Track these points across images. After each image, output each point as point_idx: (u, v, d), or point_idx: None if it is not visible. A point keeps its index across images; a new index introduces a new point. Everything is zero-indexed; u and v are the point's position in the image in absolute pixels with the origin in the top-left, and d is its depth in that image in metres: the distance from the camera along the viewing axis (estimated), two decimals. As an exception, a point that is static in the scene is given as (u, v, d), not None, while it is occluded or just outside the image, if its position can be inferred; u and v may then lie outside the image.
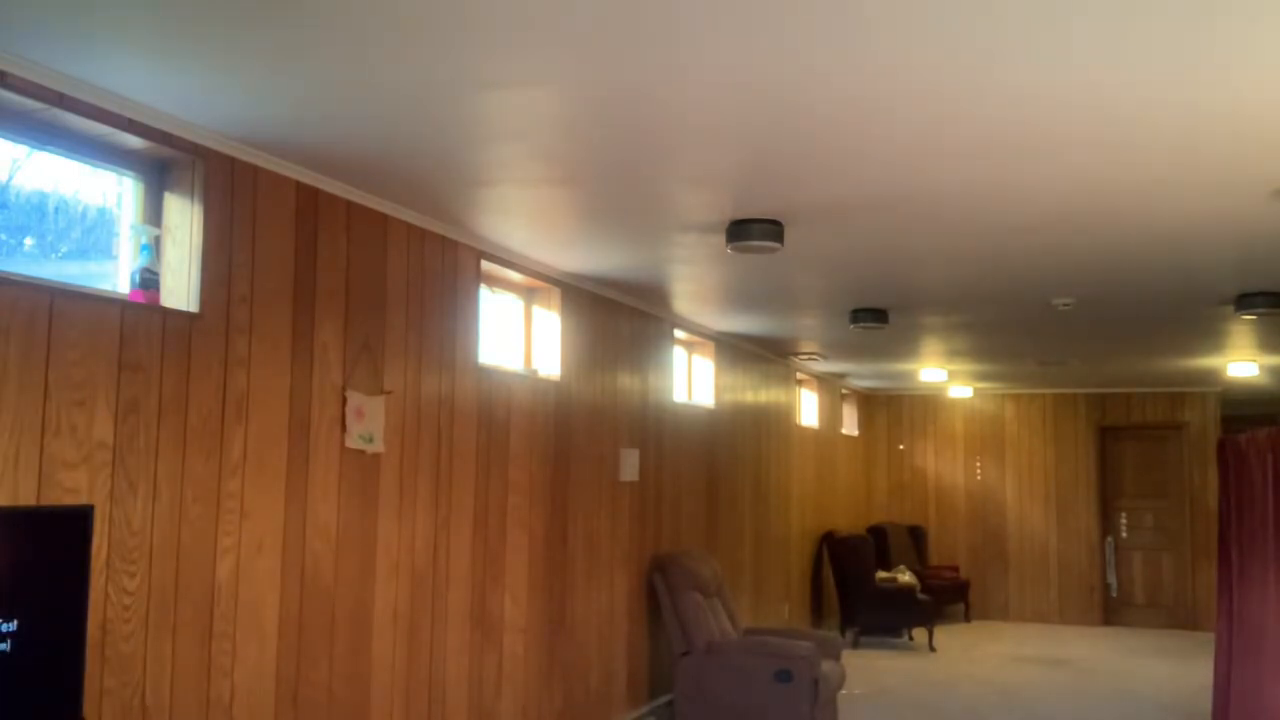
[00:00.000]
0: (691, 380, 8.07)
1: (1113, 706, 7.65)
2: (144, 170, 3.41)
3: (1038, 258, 5.15)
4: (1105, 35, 2.56)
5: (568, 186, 4.05)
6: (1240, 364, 9.13)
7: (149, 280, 3.31)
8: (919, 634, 10.19)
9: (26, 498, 2.81)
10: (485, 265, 5.00)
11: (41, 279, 3.00)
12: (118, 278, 3.41)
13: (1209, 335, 7.69)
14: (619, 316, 6.46)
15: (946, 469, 12.49)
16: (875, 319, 6.81)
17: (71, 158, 3.26)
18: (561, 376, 5.74)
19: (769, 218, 4.39)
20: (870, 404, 12.80)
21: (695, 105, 3.09)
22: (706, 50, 2.68)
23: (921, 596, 10.12)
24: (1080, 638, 10.79)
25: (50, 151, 3.21)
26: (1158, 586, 11.61)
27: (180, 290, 3.40)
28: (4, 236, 3.28)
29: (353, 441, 4.05)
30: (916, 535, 12.11)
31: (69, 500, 2.90)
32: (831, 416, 11.48)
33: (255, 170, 3.60)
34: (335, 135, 3.43)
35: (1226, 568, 5.79)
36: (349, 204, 4.06)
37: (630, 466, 6.54)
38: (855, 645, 9.87)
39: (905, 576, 10.48)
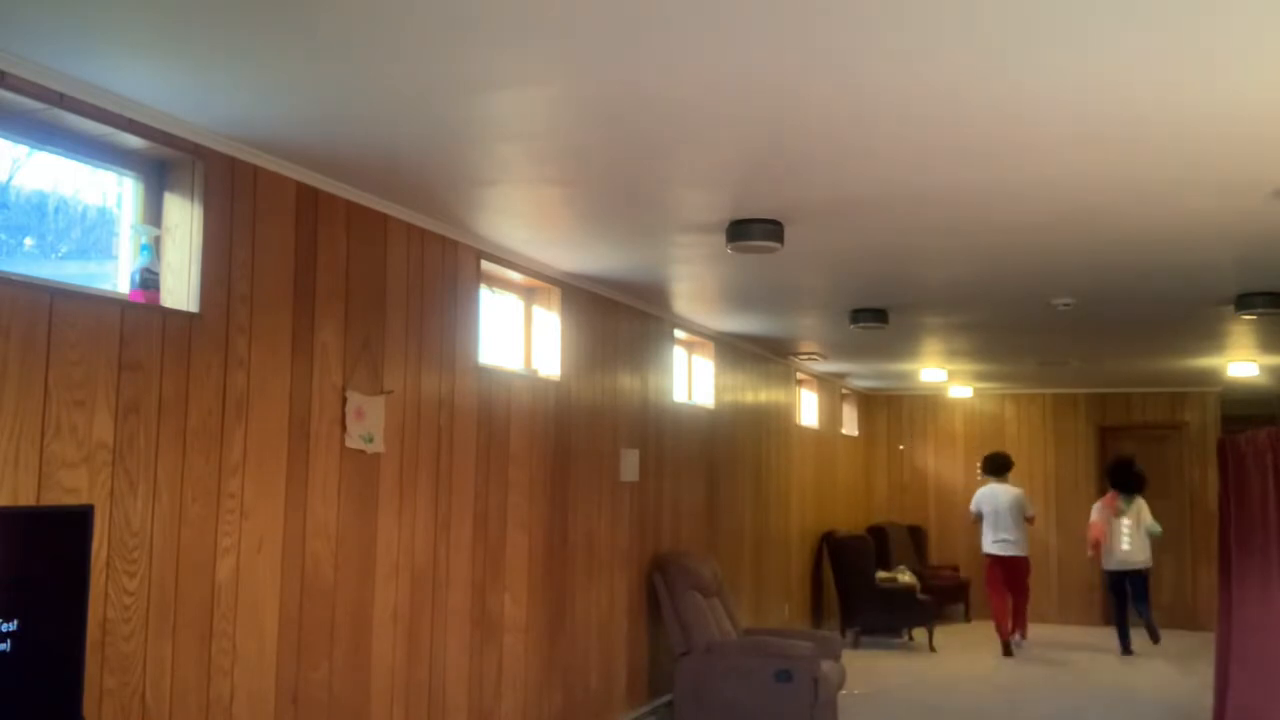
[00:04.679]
0: (691, 380, 8.06)
1: (1113, 706, 7.65)
2: (144, 170, 3.41)
3: (1038, 258, 5.15)
4: (1105, 35, 2.56)
5: (568, 186, 4.05)
6: (1240, 364, 9.12)
7: (149, 280, 3.31)
8: (919, 634, 10.18)
9: (26, 498, 2.81)
10: (485, 265, 5.00)
11: (41, 279, 3.00)
12: (118, 278, 3.41)
13: (1209, 335, 7.69)
14: (619, 316, 6.46)
15: (946, 469, 12.49)
16: (875, 319, 6.81)
17: (71, 158, 3.25)
18: (561, 376, 5.74)
19: (769, 218, 4.39)
20: (870, 404, 12.79)
21: (695, 105, 3.09)
22: (706, 50, 2.68)
23: (921, 596, 10.11)
24: (1080, 638, 10.78)
25: (50, 151, 3.21)
26: (1158, 586, 11.56)
27: (180, 290, 3.40)
28: (4, 236, 3.28)
29: (353, 441, 4.05)
30: (916, 535, 12.11)
31: (69, 500, 2.90)
32: (831, 416, 11.48)
33: (255, 170, 3.60)
34: (335, 135, 3.43)
35: (1226, 569, 5.78)
36: (349, 204, 4.06)
37: (630, 466, 6.54)
38: (855, 645, 9.87)
39: (905, 576, 10.47)
